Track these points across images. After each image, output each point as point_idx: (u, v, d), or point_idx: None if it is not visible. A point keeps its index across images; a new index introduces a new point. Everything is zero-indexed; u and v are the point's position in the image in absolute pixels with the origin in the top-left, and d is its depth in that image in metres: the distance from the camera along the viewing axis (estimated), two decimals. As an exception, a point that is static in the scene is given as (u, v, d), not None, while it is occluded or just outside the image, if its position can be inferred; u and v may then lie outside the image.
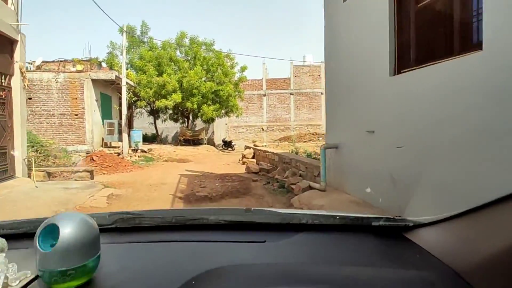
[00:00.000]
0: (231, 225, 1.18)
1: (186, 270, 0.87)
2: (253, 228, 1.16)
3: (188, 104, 20.01)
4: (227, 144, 26.00)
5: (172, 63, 21.20)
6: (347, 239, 1.10)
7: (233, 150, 25.66)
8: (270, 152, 10.86)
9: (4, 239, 0.84)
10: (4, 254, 0.80)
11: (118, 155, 15.67)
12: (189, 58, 21.73)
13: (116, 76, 15.85)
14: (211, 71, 21.18)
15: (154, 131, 26.80)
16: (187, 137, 22.30)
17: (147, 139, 26.18)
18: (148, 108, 23.76)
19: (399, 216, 1.11)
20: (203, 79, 20.95)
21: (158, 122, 25.62)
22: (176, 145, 21.15)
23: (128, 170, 11.41)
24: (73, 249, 0.75)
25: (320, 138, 25.78)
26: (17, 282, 0.76)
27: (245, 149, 15.10)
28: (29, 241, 0.92)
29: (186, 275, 0.83)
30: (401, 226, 1.06)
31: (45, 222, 0.80)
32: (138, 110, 24.90)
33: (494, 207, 0.75)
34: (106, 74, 15.69)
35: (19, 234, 1.07)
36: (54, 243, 0.75)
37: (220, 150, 25.24)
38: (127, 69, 20.97)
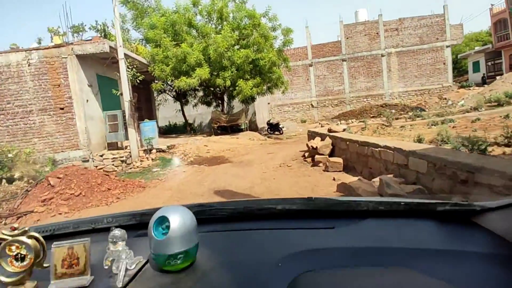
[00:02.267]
0: (297, 214, 1.16)
1: (269, 254, 0.91)
2: (319, 216, 1.13)
3: (219, 81, 14.31)
4: (274, 127, 20.19)
5: (193, 30, 15.47)
6: (414, 224, 1.04)
7: (282, 133, 19.88)
8: (386, 146, 4.86)
9: (124, 230, 0.90)
10: (124, 243, 0.89)
11: (123, 161, 10.48)
12: (214, 20, 15.84)
13: (110, 47, 10.47)
14: (244, 35, 15.19)
15: (185, 120, 21.65)
16: (223, 124, 16.73)
17: (176, 130, 21.07)
18: (174, 93, 18.43)
19: (466, 201, 1.06)
20: (236, 47, 15.06)
21: (188, 108, 20.34)
22: (210, 135, 15.70)
23: (111, 199, 5.99)
24: (181, 238, 0.85)
25: (393, 111, 19.07)
26: (134, 265, 0.88)
27: (310, 138, 9.12)
28: (137, 230, 1.11)
29: (271, 259, 0.87)
30: (467, 211, 1.00)
31: (155, 214, 0.89)
32: (161, 96, 19.72)
33: None
34: (95, 46, 10.33)
35: (130, 225, 1.14)
36: (164, 232, 0.86)
37: (266, 135, 19.54)
38: (132, 42, 15.67)
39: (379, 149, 5.10)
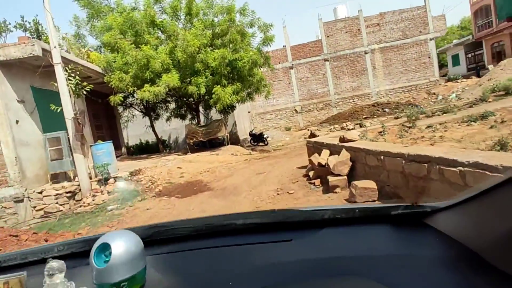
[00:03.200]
0: (258, 227, 1.13)
1: (222, 274, 0.90)
2: (279, 228, 1.11)
3: (191, 89, 11.96)
4: (257, 138, 18.01)
5: (158, 30, 13.11)
6: (370, 231, 1.05)
7: (267, 144, 17.71)
8: (478, 164, 2.65)
9: (62, 261, 0.84)
10: (63, 275, 0.81)
11: (72, 197, 7.95)
12: (182, 19, 13.53)
13: (44, 49, 7.97)
14: (218, 34, 12.95)
15: (161, 137, 19.08)
16: (199, 139, 14.29)
17: (148, 149, 18.45)
18: (141, 107, 15.89)
19: (416, 203, 1.05)
20: (209, 49, 12.78)
21: (160, 123, 17.84)
22: (185, 153, 13.25)
23: None
24: (124, 264, 0.80)
25: (387, 110, 17.23)
26: None
27: (311, 151, 6.84)
28: (83, 258, 1.00)
29: (222, 279, 0.87)
30: (419, 213, 1.02)
31: (98, 241, 0.85)
32: (129, 111, 17.11)
33: (507, 186, 0.71)
34: (22, 49, 7.79)
35: (75, 253, 1.09)
36: (107, 259, 0.81)
37: (249, 147, 17.30)
38: (87, 48, 13.18)
39: (461, 168, 2.89)
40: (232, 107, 15.63)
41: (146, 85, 11.16)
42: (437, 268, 0.80)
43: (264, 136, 17.81)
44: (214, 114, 18.68)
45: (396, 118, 13.33)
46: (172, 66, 11.93)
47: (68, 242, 1.14)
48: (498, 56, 26.21)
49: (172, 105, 16.53)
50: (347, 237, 1.03)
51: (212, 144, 14.83)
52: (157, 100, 13.33)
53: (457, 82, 22.16)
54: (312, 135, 15.63)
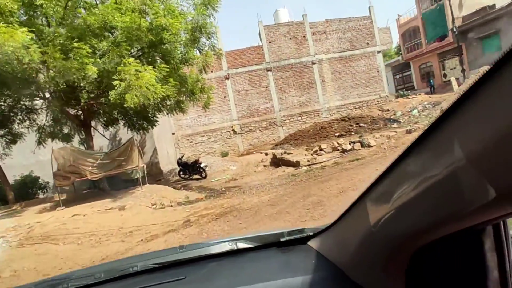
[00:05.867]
0: (161, 266, 1.05)
1: None
2: (181, 265, 1.05)
3: (67, 65, 5.29)
4: (191, 168, 11.77)
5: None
6: (261, 257, 1.03)
7: (205, 177, 11.57)
8: None
9: None
10: None
11: None
12: None
13: None
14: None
15: (30, 173, 11.27)
16: (87, 175, 7.25)
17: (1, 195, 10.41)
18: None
19: (303, 228, 1.06)
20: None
21: (29, 147, 10.25)
22: (54, 209, 6.21)
23: None
24: None
25: (364, 125, 12.77)
26: None
27: None
28: None
29: None
30: (303, 237, 1.03)
31: None
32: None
33: (354, 208, 0.74)
34: None
35: None
36: None
37: (178, 183, 10.97)
38: None
39: None
40: (151, 121, 9.29)
41: None
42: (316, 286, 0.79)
43: (202, 166, 11.60)
44: (124, 135, 11.87)
45: (409, 132, 8.77)
46: (16, 19, 5.21)
47: None
48: (427, 76, 25.41)
49: (43, 118, 9.27)
50: (240, 267, 0.99)
51: (114, 183, 7.95)
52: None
53: (408, 98, 19.59)
54: (280, 160, 10.05)
